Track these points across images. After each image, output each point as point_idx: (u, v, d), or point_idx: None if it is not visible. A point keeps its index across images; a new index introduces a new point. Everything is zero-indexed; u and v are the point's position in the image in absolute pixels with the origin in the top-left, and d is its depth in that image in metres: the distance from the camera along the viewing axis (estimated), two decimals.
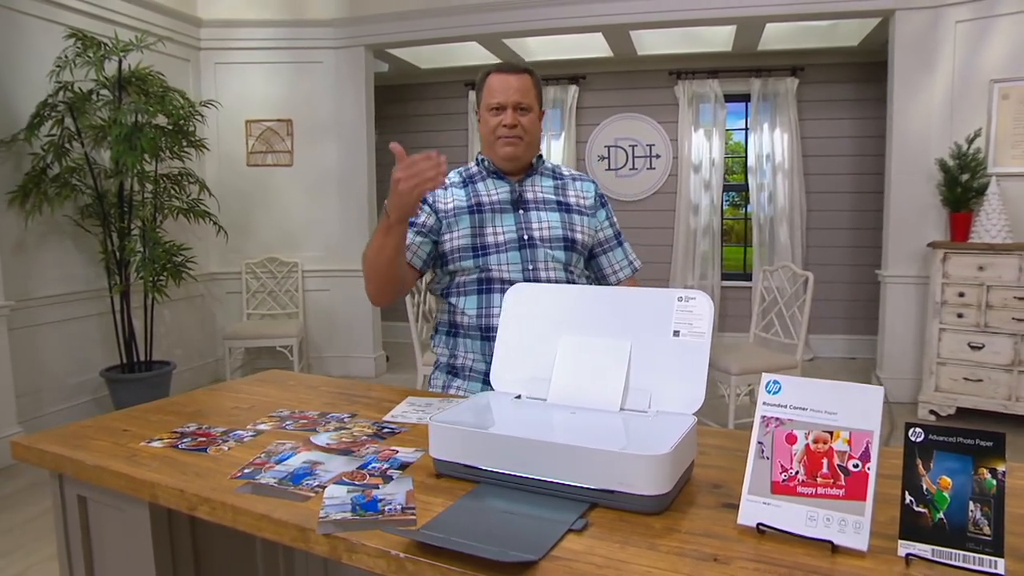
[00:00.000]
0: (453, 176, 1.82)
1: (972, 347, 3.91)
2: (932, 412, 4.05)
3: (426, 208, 1.74)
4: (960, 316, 3.94)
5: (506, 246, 1.69)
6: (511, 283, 1.64)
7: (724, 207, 6.28)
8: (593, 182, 1.88)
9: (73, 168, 3.82)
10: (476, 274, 1.68)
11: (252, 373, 5.46)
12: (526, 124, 1.71)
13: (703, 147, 6.01)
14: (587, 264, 1.88)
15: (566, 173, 1.86)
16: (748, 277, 6.11)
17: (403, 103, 6.64)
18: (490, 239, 1.69)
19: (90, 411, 4.07)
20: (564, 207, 1.77)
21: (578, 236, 1.75)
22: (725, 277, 6.21)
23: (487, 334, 1.66)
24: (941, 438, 0.79)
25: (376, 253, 1.56)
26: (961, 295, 3.93)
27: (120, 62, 3.91)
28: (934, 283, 4.03)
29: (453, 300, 1.72)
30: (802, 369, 3.68)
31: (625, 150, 6.21)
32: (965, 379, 3.94)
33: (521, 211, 1.73)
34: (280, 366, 4.97)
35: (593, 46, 5.74)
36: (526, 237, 1.70)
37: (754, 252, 5.97)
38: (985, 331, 3.86)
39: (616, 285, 1.85)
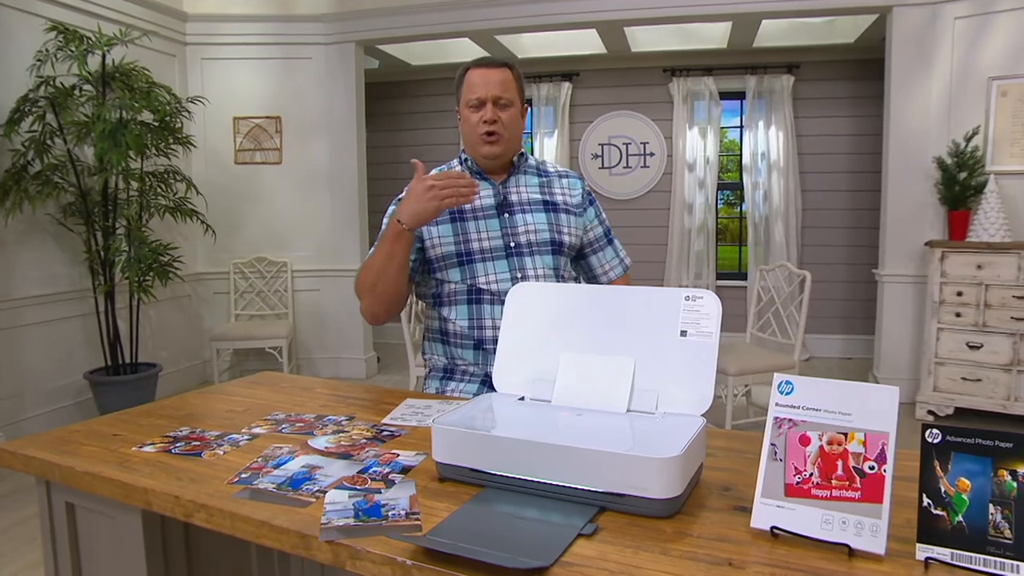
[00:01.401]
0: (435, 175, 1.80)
1: (970, 347, 3.93)
2: (930, 412, 4.07)
3: None
4: (958, 315, 3.96)
5: (492, 253, 1.65)
6: (500, 295, 1.61)
7: (719, 206, 6.30)
8: (580, 178, 1.83)
9: (55, 165, 3.77)
10: (465, 284, 1.65)
11: (240, 375, 5.40)
12: (506, 119, 1.66)
13: (698, 145, 6.02)
14: (576, 264, 1.85)
15: (551, 169, 1.82)
16: (743, 276, 6.13)
17: (394, 100, 6.62)
18: (475, 245, 1.65)
19: (73, 415, 4.03)
20: (550, 207, 1.73)
21: (565, 238, 1.71)
22: (720, 276, 6.23)
23: (480, 345, 1.63)
24: (959, 439, 0.78)
25: (385, 261, 1.55)
26: (959, 294, 3.95)
27: (103, 56, 3.87)
28: (932, 282, 4.05)
29: (444, 311, 1.68)
30: (799, 369, 3.69)
31: (619, 148, 6.22)
32: (963, 379, 3.97)
33: (506, 215, 1.69)
34: (269, 368, 4.95)
35: (587, 43, 5.74)
36: (512, 244, 1.66)
37: (749, 251, 5.99)
38: (984, 330, 3.89)
39: (607, 285, 1.82)
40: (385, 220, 1.73)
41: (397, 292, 1.62)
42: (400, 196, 1.74)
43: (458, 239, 1.66)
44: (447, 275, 1.67)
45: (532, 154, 1.83)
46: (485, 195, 1.72)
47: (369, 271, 1.61)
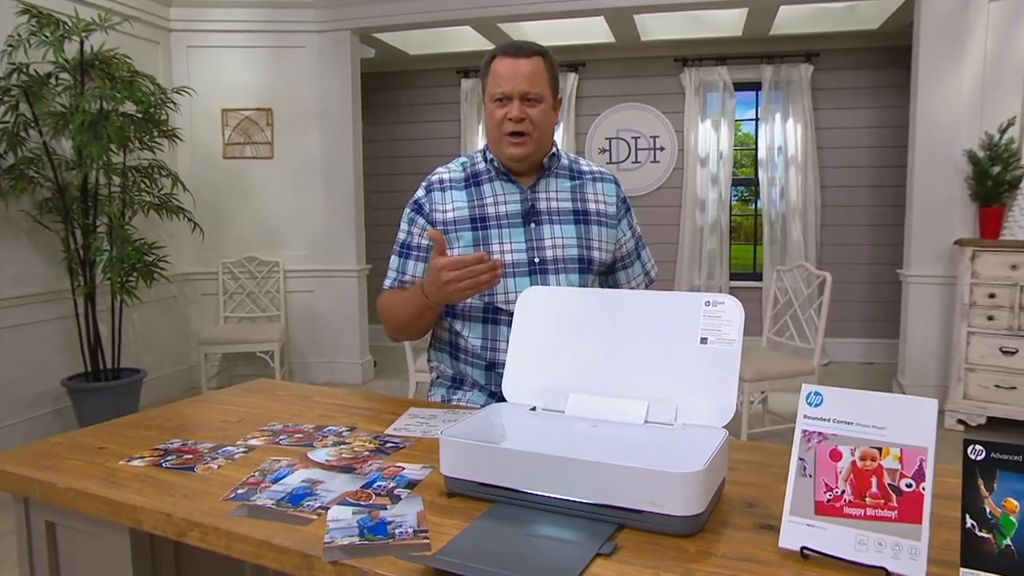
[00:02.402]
0: (455, 169, 1.72)
1: (1004, 352, 3.92)
2: (960, 422, 4.06)
3: (420, 222, 1.68)
4: (990, 319, 3.95)
5: (514, 269, 1.61)
6: None
7: (733, 203, 6.30)
8: (614, 182, 1.76)
9: (30, 159, 3.76)
10: (482, 301, 1.62)
11: (229, 380, 5.36)
12: (535, 117, 1.58)
13: (710, 139, 6.02)
14: (601, 277, 1.81)
15: (585, 169, 1.76)
16: (758, 277, 6.13)
17: (391, 91, 6.62)
18: (496, 258, 1.60)
19: (50, 424, 4.02)
20: (582, 217, 1.68)
21: (595, 254, 1.67)
22: (734, 277, 6.22)
23: (492, 367, 1.62)
24: (1005, 456, 0.77)
25: (414, 319, 1.61)
26: (992, 296, 3.94)
27: (82, 43, 3.85)
28: (962, 283, 4.04)
29: (457, 325, 1.66)
30: (818, 375, 3.68)
31: (627, 142, 6.21)
32: (996, 386, 3.95)
33: (533, 224, 1.64)
34: (260, 373, 4.94)
35: (594, 31, 5.73)
36: (537, 260, 1.62)
37: (764, 251, 5.98)
38: (1018, 335, 3.87)
39: None
40: (403, 226, 1.71)
41: (426, 331, 1.70)
42: (417, 198, 1.71)
43: (478, 250, 1.62)
44: None
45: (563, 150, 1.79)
46: (511, 200, 1.66)
47: (395, 317, 1.65)
